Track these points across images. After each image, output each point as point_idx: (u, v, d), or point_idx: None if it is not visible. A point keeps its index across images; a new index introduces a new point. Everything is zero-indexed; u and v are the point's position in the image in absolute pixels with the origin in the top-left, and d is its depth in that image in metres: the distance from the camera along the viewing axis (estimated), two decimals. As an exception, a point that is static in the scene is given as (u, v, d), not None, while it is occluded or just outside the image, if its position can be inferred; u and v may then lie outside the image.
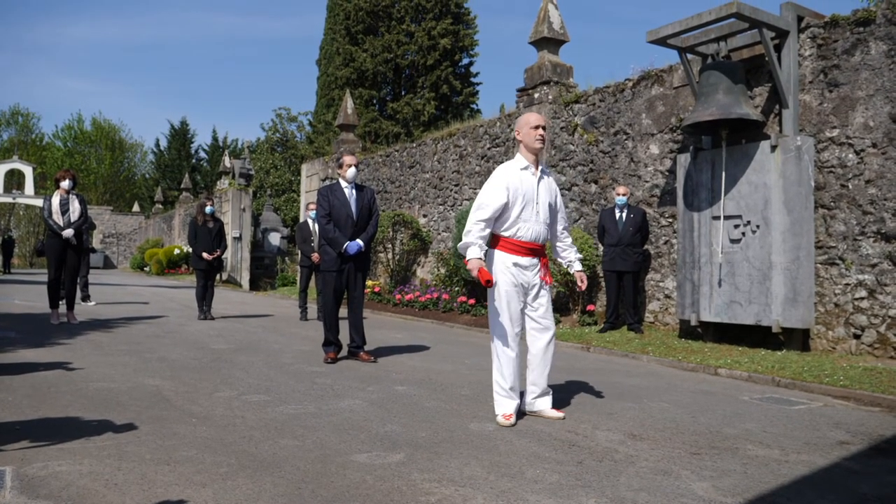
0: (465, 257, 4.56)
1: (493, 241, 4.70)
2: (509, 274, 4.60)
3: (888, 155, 7.23)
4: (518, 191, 4.58)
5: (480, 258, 4.48)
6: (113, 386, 5.43)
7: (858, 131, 7.47)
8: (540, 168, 4.75)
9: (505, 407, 4.65)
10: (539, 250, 4.71)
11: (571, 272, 5.04)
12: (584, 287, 4.97)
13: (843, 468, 3.74)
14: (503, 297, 4.61)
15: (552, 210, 4.81)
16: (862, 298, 7.41)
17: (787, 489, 3.37)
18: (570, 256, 5.01)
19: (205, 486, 3.19)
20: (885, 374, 6.22)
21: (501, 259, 4.63)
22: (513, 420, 4.56)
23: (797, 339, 7.66)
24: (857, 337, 7.42)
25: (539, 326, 4.73)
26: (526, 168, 4.69)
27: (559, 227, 4.96)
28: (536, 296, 4.70)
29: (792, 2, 7.92)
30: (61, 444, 3.77)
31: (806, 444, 4.23)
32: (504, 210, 4.58)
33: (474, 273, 4.46)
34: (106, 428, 4.14)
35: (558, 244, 5.02)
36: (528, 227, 4.61)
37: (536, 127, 4.68)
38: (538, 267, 4.71)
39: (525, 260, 4.64)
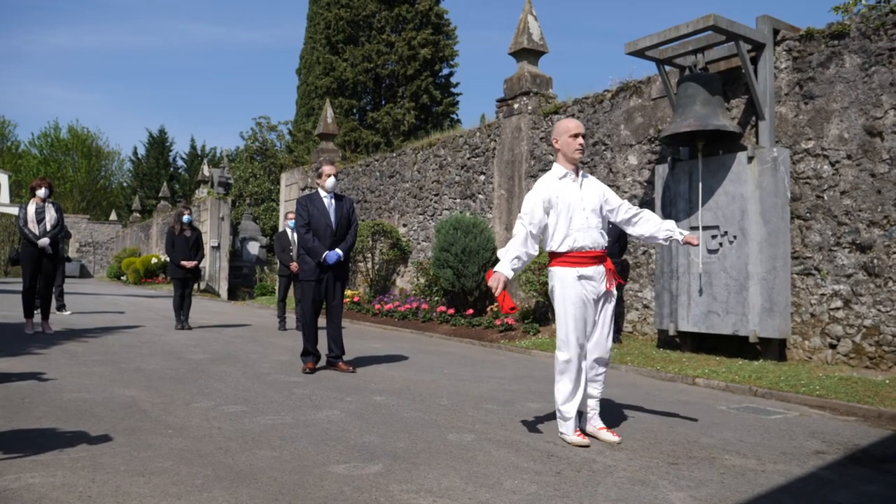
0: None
1: (553, 257, 4.45)
2: (578, 287, 4.33)
3: (862, 166, 7.32)
4: (559, 201, 4.36)
5: (506, 274, 4.25)
6: (88, 397, 5.36)
7: (833, 143, 7.57)
8: (581, 174, 4.50)
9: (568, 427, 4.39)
10: (601, 257, 4.42)
11: (681, 240, 4.52)
12: (698, 242, 4.56)
13: (818, 477, 3.77)
14: (571, 312, 4.31)
15: (602, 210, 4.48)
16: (837, 308, 7.48)
17: (763, 498, 3.39)
18: (660, 229, 4.52)
19: (180, 498, 3.15)
20: (860, 384, 6.29)
21: (564, 274, 4.36)
22: (587, 440, 4.32)
23: (774, 348, 7.72)
24: (832, 347, 7.50)
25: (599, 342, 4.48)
26: (565, 176, 4.46)
27: (625, 216, 4.55)
28: (603, 305, 4.44)
29: (768, 15, 8.02)
30: (34, 455, 3.71)
31: (782, 453, 4.25)
32: (551, 221, 4.37)
33: (493, 288, 4.20)
34: (80, 439, 4.08)
35: (634, 225, 4.56)
36: (584, 235, 4.34)
37: (576, 135, 4.43)
38: (604, 275, 4.41)
39: (590, 270, 4.35)
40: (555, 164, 4.55)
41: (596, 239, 4.39)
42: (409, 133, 24.85)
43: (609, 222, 4.62)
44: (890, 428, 5.10)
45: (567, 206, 4.35)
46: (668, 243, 4.62)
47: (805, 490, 3.55)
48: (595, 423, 4.52)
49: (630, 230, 4.60)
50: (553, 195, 4.38)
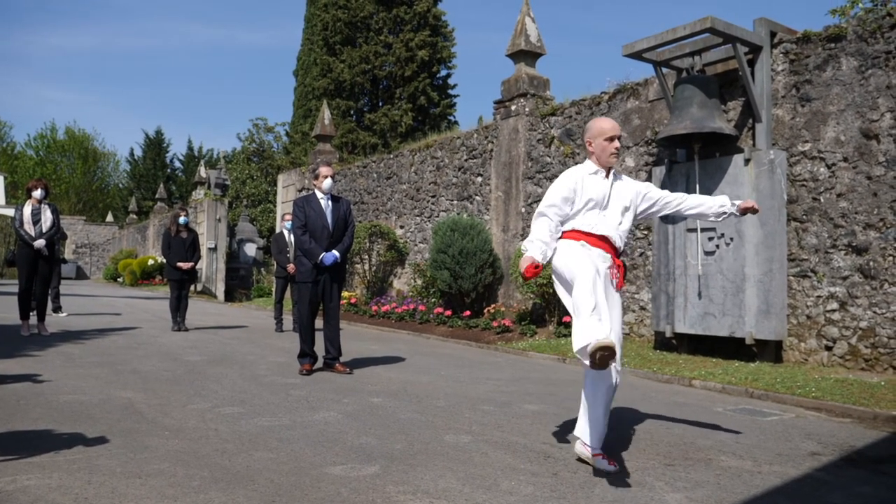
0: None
1: (564, 234, 4.08)
2: (583, 253, 3.91)
3: (859, 169, 7.34)
4: (582, 191, 4.04)
5: (537, 257, 3.84)
6: (84, 398, 5.35)
7: (830, 145, 7.59)
8: (612, 172, 4.17)
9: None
10: (611, 248, 4.05)
11: (736, 211, 4.21)
12: (758, 208, 4.21)
13: (814, 479, 3.78)
14: (583, 272, 3.73)
15: (635, 210, 4.22)
16: (833, 311, 7.50)
17: (759, 500, 3.40)
18: (714, 203, 4.24)
19: (177, 500, 3.15)
20: (855, 386, 6.30)
21: (569, 244, 3.99)
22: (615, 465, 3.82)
23: (770, 350, 7.74)
24: (828, 349, 7.51)
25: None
26: (595, 173, 4.12)
27: (673, 204, 4.28)
28: (611, 294, 3.99)
29: (765, 18, 8.04)
30: (30, 457, 3.71)
31: (778, 455, 4.26)
32: (572, 209, 4.03)
33: (523, 266, 3.79)
34: (76, 441, 4.08)
35: (688, 206, 4.27)
36: (596, 220, 4.01)
37: (612, 139, 4.09)
38: (611, 265, 4.02)
39: (595, 250, 3.97)
40: (587, 160, 4.21)
41: (612, 232, 4.04)
42: (406, 134, 24.85)
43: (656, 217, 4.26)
44: (885, 429, 5.12)
45: (589, 199, 4.03)
46: (722, 219, 4.30)
47: (800, 491, 3.55)
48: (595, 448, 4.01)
49: (687, 213, 4.33)
50: (579, 186, 4.06)
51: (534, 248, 3.89)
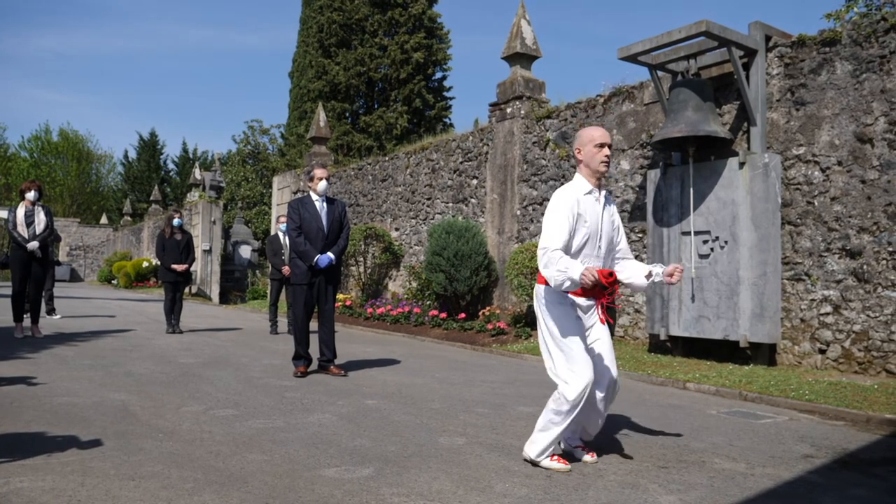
0: (560, 284, 3.70)
1: (542, 278, 3.96)
2: (566, 303, 3.92)
3: (853, 173, 7.37)
4: (581, 220, 3.89)
5: (581, 267, 3.63)
6: (78, 401, 5.34)
7: (824, 149, 7.61)
8: (603, 193, 4.03)
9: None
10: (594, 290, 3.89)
11: (660, 274, 3.96)
12: (678, 277, 3.93)
13: (807, 481, 3.79)
14: (564, 324, 3.85)
15: (612, 243, 4.09)
16: (827, 314, 7.52)
17: (752, 502, 3.41)
18: (639, 270, 4.07)
19: (170, 502, 3.14)
20: (849, 389, 6.32)
21: (553, 295, 3.93)
22: (568, 465, 3.90)
23: (764, 353, 7.75)
24: (822, 352, 7.53)
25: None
26: (590, 193, 3.97)
27: (621, 256, 4.17)
28: (595, 334, 4.00)
29: (760, 21, 8.06)
30: (23, 460, 3.70)
31: (771, 457, 4.27)
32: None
33: (590, 279, 3.56)
34: (70, 443, 4.07)
35: (619, 266, 4.14)
36: (589, 263, 3.85)
37: (602, 145, 3.95)
38: (594, 308, 4.01)
39: (582, 300, 3.96)
40: (577, 175, 4.06)
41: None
42: (401, 137, 24.86)
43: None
44: (878, 432, 5.13)
45: (586, 228, 3.90)
46: (648, 282, 4.05)
47: (794, 494, 3.56)
48: (571, 442, 4.14)
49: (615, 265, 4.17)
50: (580, 212, 3.90)
51: (572, 268, 3.65)
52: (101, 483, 3.37)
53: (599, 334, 4.02)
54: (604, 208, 4.01)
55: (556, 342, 3.88)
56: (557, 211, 3.87)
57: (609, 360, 4.00)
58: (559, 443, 4.05)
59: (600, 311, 4.02)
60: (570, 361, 3.80)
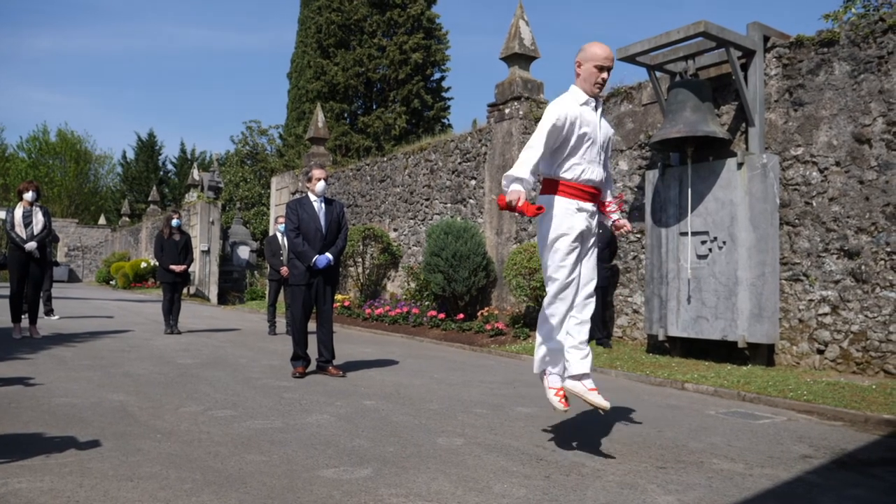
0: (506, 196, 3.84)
1: (552, 185, 4.13)
2: (576, 220, 4.08)
3: (851, 173, 7.38)
4: (577, 124, 4.01)
5: (521, 189, 3.81)
6: (76, 401, 5.33)
7: (822, 150, 7.62)
8: (599, 102, 4.20)
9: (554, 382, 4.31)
10: (598, 195, 4.27)
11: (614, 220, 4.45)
12: (629, 229, 4.46)
13: (805, 482, 3.79)
14: (566, 247, 4.04)
15: (606, 152, 4.31)
16: (825, 314, 7.53)
17: (750, 502, 3.41)
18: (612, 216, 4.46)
19: (169, 503, 3.14)
20: (847, 389, 6.32)
21: (565, 205, 4.08)
22: (567, 405, 4.27)
23: (762, 354, 7.76)
24: (820, 352, 7.54)
25: (586, 278, 4.24)
26: (586, 103, 4.09)
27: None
28: (590, 246, 4.25)
29: (758, 22, 8.07)
30: (21, 460, 3.69)
31: (770, 457, 4.27)
32: (563, 145, 4.02)
33: (515, 201, 3.76)
34: (68, 444, 4.06)
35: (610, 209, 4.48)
36: (592, 169, 4.10)
37: (602, 69, 4.04)
38: (596, 213, 4.27)
39: (589, 205, 4.15)
40: (573, 86, 4.17)
41: (601, 175, 4.21)
42: (400, 137, 24.86)
43: (600, 229, 4.48)
44: (876, 433, 5.14)
45: (587, 135, 4.04)
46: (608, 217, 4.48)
47: (792, 494, 3.57)
48: (587, 384, 4.16)
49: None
50: (575, 119, 4.01)
51: (516, 183, 3.84)
52: (100, 484, 3.37)
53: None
54: (600, 118, 4.19)
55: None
56: (548, 121, 3.98)
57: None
58: (561, 377, 4.33)
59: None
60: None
